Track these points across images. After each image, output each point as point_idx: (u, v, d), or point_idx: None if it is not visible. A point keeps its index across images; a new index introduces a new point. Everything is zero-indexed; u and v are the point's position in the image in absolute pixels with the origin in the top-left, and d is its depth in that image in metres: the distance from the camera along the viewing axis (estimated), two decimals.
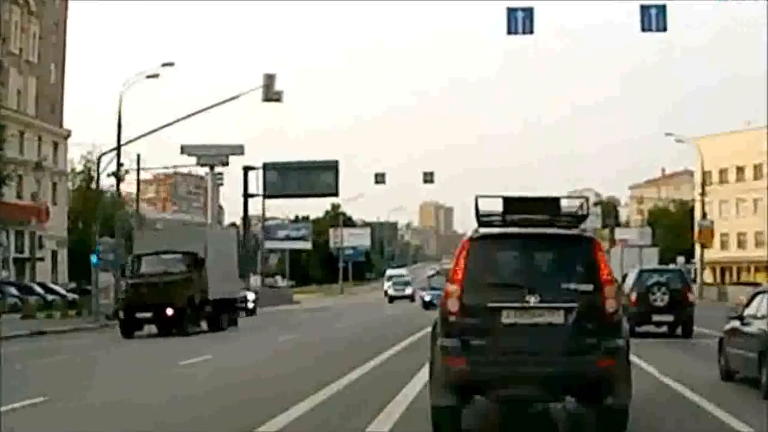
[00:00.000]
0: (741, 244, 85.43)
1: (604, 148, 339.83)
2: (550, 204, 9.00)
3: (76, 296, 43.92)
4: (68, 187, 63.21)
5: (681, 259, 79.34)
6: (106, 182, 54.68)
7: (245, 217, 65.95)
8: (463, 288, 8.46)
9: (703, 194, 64.42)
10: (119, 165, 40.36)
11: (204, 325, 28.80)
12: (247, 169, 62.18)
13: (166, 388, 13.96)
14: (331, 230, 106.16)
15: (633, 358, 9.52)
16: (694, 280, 73.15)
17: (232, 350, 22.11)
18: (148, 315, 26.63)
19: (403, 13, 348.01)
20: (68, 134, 62.48)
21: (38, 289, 46.01)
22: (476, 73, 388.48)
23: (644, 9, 26.90)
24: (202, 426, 10.35)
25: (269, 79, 36.74)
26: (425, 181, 64.30)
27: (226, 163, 62.71)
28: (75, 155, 64.21)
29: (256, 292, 50.58)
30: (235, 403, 11.80)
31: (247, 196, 62.97)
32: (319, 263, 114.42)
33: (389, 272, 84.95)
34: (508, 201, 8.88)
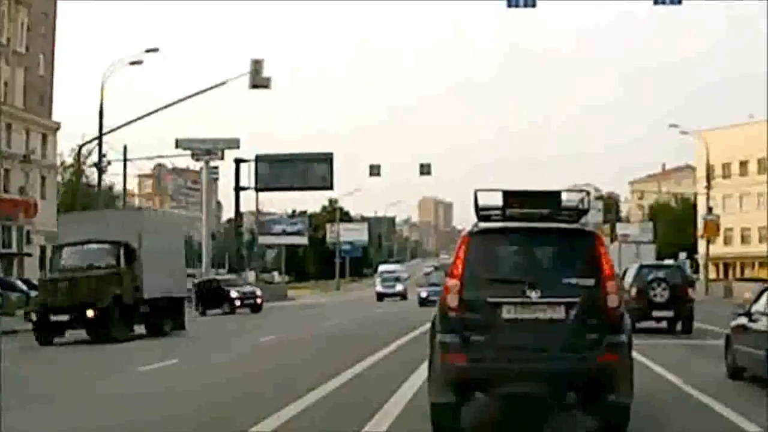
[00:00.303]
0: (745, 240, 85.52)
1: (604, 146, 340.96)
2: (551, 198, 9.00)
3: None
4: (58, 181, 63.09)
5: (683, 255, 79.57)
6: (96, 175, 54.69)
7: (237, 211, 65.66)
8: (462, 283, 8.47)
9: (708, 187, 64.30)
10: (101, 156, 39.82)
11: (145, 329, 25.33)
12: (238, 162, 61.71)
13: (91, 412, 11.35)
14: (328, 225, 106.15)
15: (635, 354, 9.53)
16: (695, 274, 73.50)
17: (193, 355, 19.81)
18: (65, 318, 22.70)
19: (404, 14, 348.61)
20: (57, 126, 62.29)
21: (21, 286, 45.49)
22: (477, 73, 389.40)
23: None
24: None
25: (257, 65, 36.23)
26: (422, 173, 64.08)
27: (222, 157, 62.62)
28: (65, 148, 64.20)
29: None
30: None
31: (238, 189, 62.65)
32: (316, 259, 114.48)
33: (382, 268, 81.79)
34: (507, 195, 8.86)
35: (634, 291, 22.84)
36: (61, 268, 23.90)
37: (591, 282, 8.43)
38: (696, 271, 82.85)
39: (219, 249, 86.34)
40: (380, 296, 60.23)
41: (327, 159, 63.05)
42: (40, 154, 58.59)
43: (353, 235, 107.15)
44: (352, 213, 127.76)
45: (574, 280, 8.44)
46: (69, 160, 62.41)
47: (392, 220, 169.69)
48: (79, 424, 10.47)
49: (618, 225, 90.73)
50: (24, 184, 56.75)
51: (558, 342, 8.34)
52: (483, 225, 8.95)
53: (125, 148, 47.23)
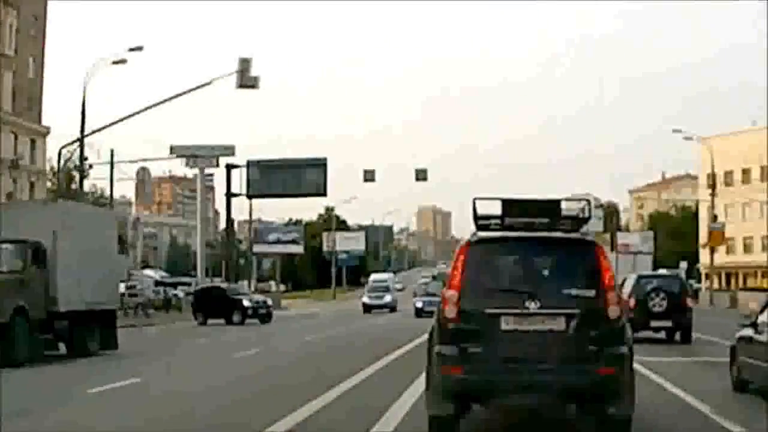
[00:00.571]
0: (747, 249, 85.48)
1: (602, 154, 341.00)
2: (551, 207, 8.97)
3: None
4: (47, 187, 62.95)
5: (684, 264, 79.56)
6: (88, 182, 54.31)
7: (228, 218, 64.81)
8: (461, 294, 8.45)
9: (713, 195, 64.12)
10: (82, 158, 38.83)
11: (66, 348, 21.04)
12: (230, 167, 60.47)
13: None
14: (324, 234, 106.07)
15: (636, 366, 9.51)
16: (698, 283, 73.53)
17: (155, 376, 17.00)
18: None
19: (401, 17, 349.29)
20: (47, 131, 62.12)
21: None
22: (476, 81, 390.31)
23: None
24: None
25: (245, 64, 34.84)
26: (418, 179, 63.12)
27: (217, 164, 62.31)
28: (54, 153, 64.07)
29: None
30: None
31: (230, 195, 61.77)
32: (312, 268, 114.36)
33: (373, 277, 78.13)
34: (506, 203, 8.84)
35: (632, 301, 23.01)
36: None
37: (591, 293, 8.41)
38: (699, 280, 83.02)
39: (216, 258, 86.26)
40: (367, 308, 55.59)
41: (321, 164, 61.74)
42: (29, 160, 58.45)
43: (350, 244, 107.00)
44: (350, 222, 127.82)
45: (574, 291, 8.42)
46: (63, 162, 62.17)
47: (390, 228, 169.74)
48: None
49: (619, 234, 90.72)
50: (12, 190, 56.62)
51: (558, 354, 8.31)
52: (482, 234, 8.93)
53: (112, 152, 46.82)
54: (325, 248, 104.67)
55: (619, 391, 8.43)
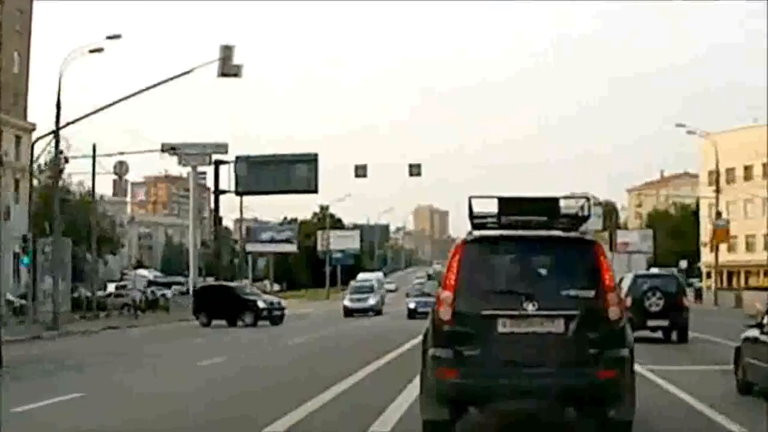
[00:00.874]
0: (750, 247, 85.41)
1: (600, 154, 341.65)
2: (549, 204, 8.86)
3: (24, 302, 42.23)
4: (33, 185, 62.50)
5: (684, 263, 79.56)
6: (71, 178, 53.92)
7: (216, 216, 63.61)
8: (456, 295, 8.34)
9: (717, 191, 63.87)
10: (57, 152, 37.88)
11: None
12: (218, 164, 59.84)
13: None
14: (319, 233, 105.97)
15: (637, 367, 9.40)
16: (692, 284, 73.34)
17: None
18: None
19: (397, 18, 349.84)
20: (33, 127, 61.73)
21: None
22: (472, 80, 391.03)
23: None
24: None
25: (227, 52, 34.07)
26: (411, 174, 62.28)
27: (210, 163, 62.02)
28: (40, 150, 63.58)
29: None
30: None
31: (218, 192, 61.16)
32: (306, 267, 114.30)
33: (360, 276, 73.91)
34: (503, 202, 8.73)
35: (629, 301, 23.13)
36: None
37: (591, 293, 8.30)
38: (700, 279, 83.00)
39: (209, 257, 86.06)
40: (347, 311, 50.20)
41: (311, 160, 61.07)
42: (14, 156, 58.09)
43: (345, 242, 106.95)
44: (346, 221, 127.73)
45: (573, 292, 8.31)
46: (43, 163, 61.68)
47: (386, 227, 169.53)
48: None
49: (618, 233, 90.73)
50: None
51: (556, 357, 8.20)
52: (477, 233, 8.81)
53: (94, 147, 46.42)
54: (319, 247, 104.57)
55: (619, 394, 8.33)
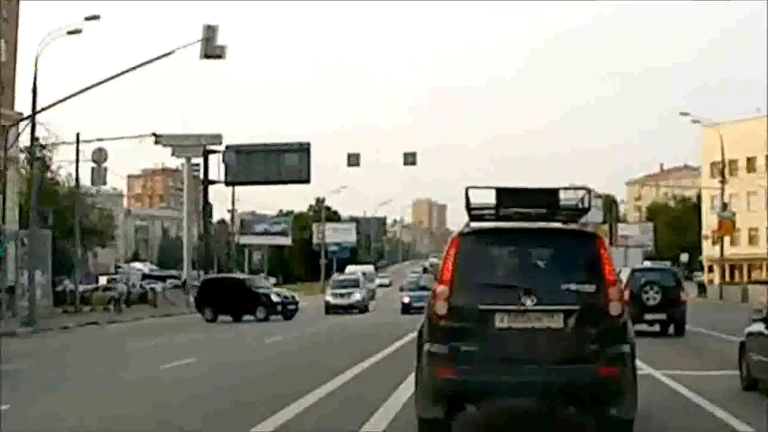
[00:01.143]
0: (753, 240, 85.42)
1: (598, 148, 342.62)
2: (548, 196, 8.74)
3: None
4: (21, 175, 62.14)
5: (684, 257, 79.58)
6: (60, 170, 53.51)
7: (205, 206, 63.01)
8: (452, 289, 8.23)
9: (723, 181, 63.54)
10: (33, 139, 37.11)
11: None
12: (207, 153, 59.30)
13: None
14: (314, 225, 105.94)
15: (639, 363, 9.31)
16: (692, 278, 73.31)
17: None
18: None
19: (395, 11, 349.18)
20: (20, 117, 61.51)
21: None
22: (470, 74, 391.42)
23: None
24: None
25: (210, 32, 33.15)
26: (406, 163, 61.65)
27: (203, 154, 61.77)
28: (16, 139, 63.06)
29: None
30: None
31: (207, 182, 60.88)
32: (302, 260, 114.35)
33: (348, 269, 70.99)
34: (501, 193, 8.62)
35: (626, 294, 23.24)
36: None
37: (592, 288, 8.19)
38: (702, 273, 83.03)
39: (210, 251, 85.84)
40: (329, 308, 46.87)
41: (303, 149, 60.35)
42: (1, 147, 57.79)
43: (341, 235, 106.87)
44: (344, 214, 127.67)
45: (573, 286, 8.19)
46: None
47: (383, 220, 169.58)
48: None
49: (619, 226, 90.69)
50: None
51: (555, 353, 8.09)
52: (475, 225, 8.71)
53: (77, 135, 46.05)
54: (315, 240, 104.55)
55: (620, 391, 8.23)
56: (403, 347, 19.34)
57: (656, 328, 24.48)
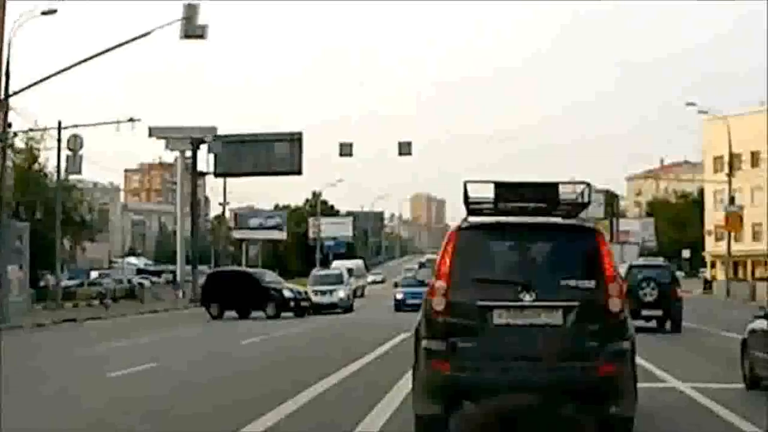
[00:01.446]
0: (756, 236, 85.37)
1: (597, 143, 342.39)
2: (548, 190, 8.75)
3: None
4: (9, 167, 61.67)
5: (686, 253, 79.61)
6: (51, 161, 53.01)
7: (193, 198, 62.56)
8: (449, 284, 8.24)
9: (730, 174, 63.25)
10: (5, 123, 36.23)
11: None
12: (195, 143, 58.22)
13: None
14: (310, 219, 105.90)
15: (639, 360, 9.33)
16: (697, 275, 73.20)
17: None
18: None
19: (397, 12, 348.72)
20: (8, 106, 61.10)
21: None
22: (470, 68, 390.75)
23: None
24: None
25: (191, 10, 32.09)
26: (401, 153, 60.70)
27: (192, 144, 61.36)
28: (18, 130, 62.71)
29: None
30: None
31: (196, 174, 60.04)
32: (298, 254, 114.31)
33: (334, 264, 68.51)
34: (500, 187, 8.63)
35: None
36: None
37: (591, 284, 8.21)
38: (705, 269, 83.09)
39: (205, 246, 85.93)
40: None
41: (294, 139, 59.05)
42: None
43: (337, 230, 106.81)
44: (342, 210, 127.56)
45: (572, 282, 8.21)
46: (20, 144, 60.91)
47: (380, 215, 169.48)
48: None
49: (620, 221, 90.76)
50: None
51: (554, 350, 8.11)
52: (473, 220, 8.73)
53: (59, 123, 45.43)
54: (310, 234, 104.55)
55: (620, 389, 8.24)
56: (386, 355, 16.02)
57: (653, 324, 24.97)
